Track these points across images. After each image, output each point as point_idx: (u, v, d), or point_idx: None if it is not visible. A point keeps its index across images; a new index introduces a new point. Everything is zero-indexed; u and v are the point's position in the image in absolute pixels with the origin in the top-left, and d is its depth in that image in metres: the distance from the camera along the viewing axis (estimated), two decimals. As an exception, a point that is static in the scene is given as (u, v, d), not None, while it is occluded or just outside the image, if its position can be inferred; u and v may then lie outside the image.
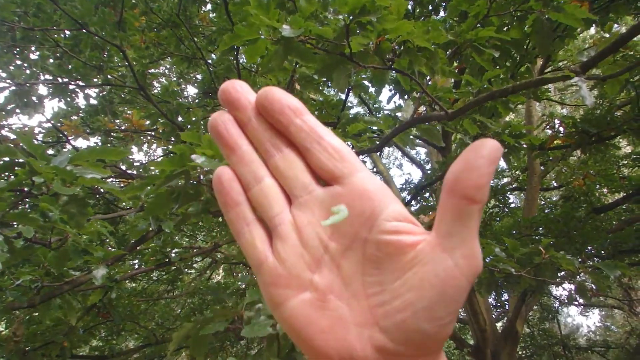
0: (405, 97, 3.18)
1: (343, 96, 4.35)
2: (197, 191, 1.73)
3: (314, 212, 0.39)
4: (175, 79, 7.27)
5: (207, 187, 1.70)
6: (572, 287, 2.89)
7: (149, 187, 1.76)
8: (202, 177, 1.68)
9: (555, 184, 8.59)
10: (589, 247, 5.00)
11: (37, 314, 3.32)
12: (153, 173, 1.68)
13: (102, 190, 4.98)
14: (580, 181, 5.33)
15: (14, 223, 1.84)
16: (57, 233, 2.18)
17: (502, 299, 8.59)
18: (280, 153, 0.40)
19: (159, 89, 6.58)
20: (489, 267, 2.72)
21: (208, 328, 1.57)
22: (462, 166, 0.32)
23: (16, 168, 1.72)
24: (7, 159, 1.72)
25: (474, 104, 2.35)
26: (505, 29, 2.82)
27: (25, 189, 1.72)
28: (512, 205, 8.44)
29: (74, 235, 2.19)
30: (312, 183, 0.39)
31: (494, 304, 8.71)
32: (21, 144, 1.83)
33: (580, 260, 2.76)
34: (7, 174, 1.88)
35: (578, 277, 2.76)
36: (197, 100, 5.98)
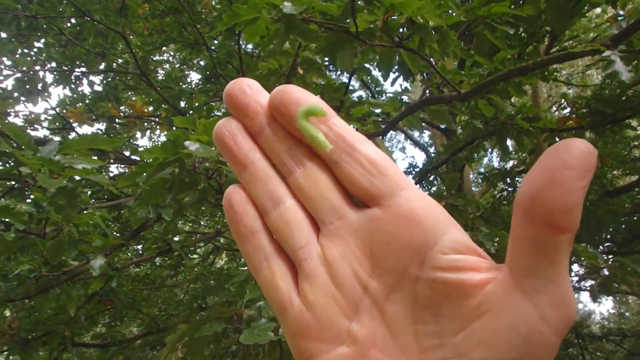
0: (410, 79, 3.07)
1: (346, 80, 4.27)
2: (194, 180, 1.64)
3: (347, 242, 0.30)
4: (178, 65, 7.28)
5: (203, 176, 1.60)
6: (593, 282, 2.75)
7: (143, 175, 1.66)
8: (197, 165, 1.59)
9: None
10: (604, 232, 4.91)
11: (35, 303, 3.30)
12: (146, 161, 1.59)
13: (107, 176, 4.99)
14: (597, 164, 5.20)
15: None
16: (52, 223, 2.11)
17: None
18: (302, 168, 0.32)
19: (162, 75, 6.61)
20: (505, 258, 2.61)
21: (204, 329, 1.48)
22: (542, 180, 0.23)
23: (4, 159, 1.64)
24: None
25: (489, 83, 2.22)
26: (512, 6, 2.71)
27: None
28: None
29: (68, 226, 2.11)
30: (343, 205, 0.31)
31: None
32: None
33: (603, 253, 2.65)
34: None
35: (601, 271, 2.63)
36: (200, 86, 5.97)
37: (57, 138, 5.96)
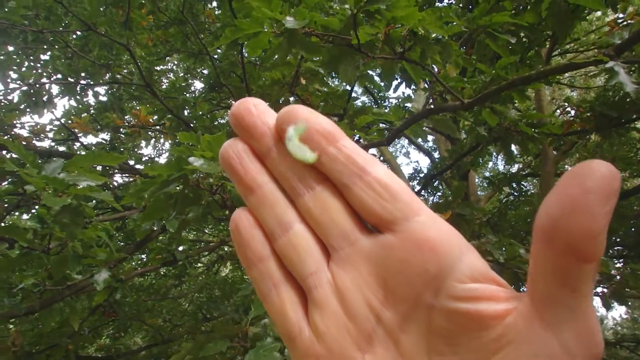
0: (412, 85, 3.07)
1: (348, 87, 4.27)
2: (197, 195, 1.64)
3: (359, 269, 0.29)
4: (182, 74, 7.33)
5: (207, 191, 1.60)
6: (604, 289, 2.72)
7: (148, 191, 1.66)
8: (201, 181, 1.59)
9: (569, 169, 8.42)
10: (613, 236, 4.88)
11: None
12: (150, 177, 1.58)
13: (111, 185, 5.02)
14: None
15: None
16: (56, 238, 2.12)
17: (520, 290, 8.42)
18: (311, 191, 0.31)
19: (166, 84, 6.65)
20: (513, 268, 2.60)
21: (209, 348, 1.47)
22: (563, 205, 0.21)
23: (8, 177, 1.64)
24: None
25: (493, 93, 2.21)
26: (513, 11, 2.70)
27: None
28: (527, 191, 8.30)
29: (73, 242, 2.11)
30: (354, 231, 0.30)
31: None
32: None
33: (613, 257, 2.63)
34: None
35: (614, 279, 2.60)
36: (203, 94, 5.99)
37: (62, 148, 6.00)
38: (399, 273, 0.28)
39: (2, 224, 1.62)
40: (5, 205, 1.72)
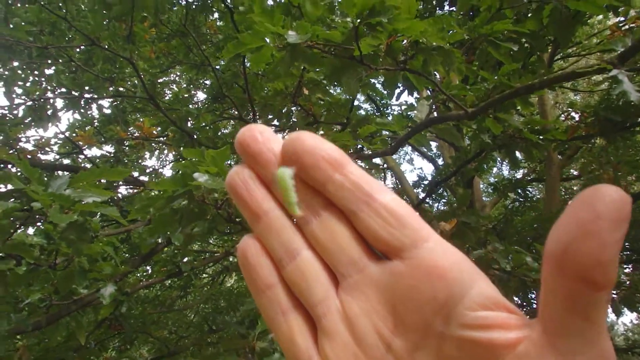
0: (415, 93, 3.07)
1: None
2: (202, 210, 1.64)
3: (368, 296, 0.29)
4: (185, 85, 7.36)
5: (212, 206, 1.60)
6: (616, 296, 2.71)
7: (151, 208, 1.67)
8: (206, 196, 1.59)
9: (575, 173, 8.39)
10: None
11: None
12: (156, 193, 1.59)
13: (115, 197, 5.04)
14: (610, 173, 5.13)
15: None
16: (62, 254, 2.12)
17: (529, 297, 8.30)
18: (318, 218, 0.30)
19: (170, 95, 6.68)
20: (520, 276, 2.59)
21: (217, 364, 1.47)
22: (573, 231, 0.21)
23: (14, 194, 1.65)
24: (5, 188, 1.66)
25: (497, 102, 2.21)
26: (515, 18, 2.70)
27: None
28: (533, 196, 8.25)
29: (79, 257, 2.11)
30: (362, 257, 0.29)
31: (519, 302, 8.43)
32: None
33: (621, 262, 2.61)
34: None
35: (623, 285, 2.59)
36: (206, 105, 6.01)
37: (66, 161, 6.03)
38: (408, 301, 0.27)
39: (9, 241, 1.62)
40: (12, 221, 1.72)
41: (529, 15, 2.52)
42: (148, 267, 5.61)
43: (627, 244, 4.97)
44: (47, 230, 1.84)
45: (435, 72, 2.40)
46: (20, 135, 5.22)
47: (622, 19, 3.34)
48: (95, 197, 1.60)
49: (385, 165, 8.25)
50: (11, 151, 4.92)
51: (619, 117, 3.18)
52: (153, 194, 4.82)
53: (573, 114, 4.19)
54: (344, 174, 0.29)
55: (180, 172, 1.51)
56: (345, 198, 0.29)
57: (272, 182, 0.31)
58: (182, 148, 5.37)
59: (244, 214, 0.32)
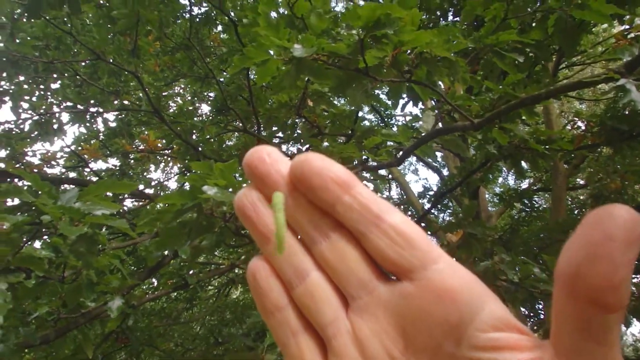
0: (420, 104, 3.08)
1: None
2: (210, 223, 1.64)
3: (378, 318, 0.29)
4: (189, 98, 7.39)
5: (220, 219, 1.61)
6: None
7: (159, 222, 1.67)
8: (214, 209, 1.59)
9: (581, 182, 8.36)
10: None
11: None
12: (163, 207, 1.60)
13: (121, 210, 5.05)
14: (618, 183, 5.11)
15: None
16: (70, 267, 2.13)
17: (536, 308, 8.21)
18: (326, 240, 0.30)
19: (174, 108, 6.71)
20: (528, 287, 2.57)
21: (227, 377, 1.47)
22: (583, 253, 0.21)
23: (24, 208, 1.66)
24: (16, 201, 1.67)
25: (504, 112, 2.21)
26: (519, 28, 2.71)
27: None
28: (539, 206, 8.22)
29: (87, 270, 2.12)
30: (372, 279, 0.29)
31: (527, 312, 8.34)
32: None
33: (634, 275, 2.59)
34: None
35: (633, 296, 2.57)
36: (210, 118, 6.04)
37: (72, 174, 6.06)
38: (418, 322, 0.27)
39: (19, 254, 1.63)
40: (21, 235, 1.73)
41: (534, 24, 2.53)
42: (154, 280, 5.62)
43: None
44: (55, 243, 1.84)
45: (440, 83, 2.40)
46: (26, 149, 5.25)
47: (628, 27, 3.35)
48: (104, 210, 1.61)
49: (390, 176, 8.23)
50: (17, 165, 4.96)
51: (626, 126, 3.17)
52: (159, 207, 4.85)
53: (579, 123, 4.19)
54: (353, 195, 0.29)
55: (187, 185, 1.51)
56: (354, 219, 0.29)
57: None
58: (187, 161, 5.40)
59: (253, 235, 0.33)
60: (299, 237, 0.32)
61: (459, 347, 0.26)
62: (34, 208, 1.67)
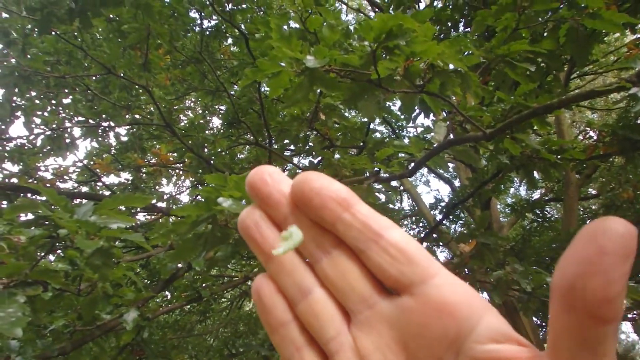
0: (431, 115, 3.08)
1: (366, 118, 4.29)
2: (225, 234, 1.65)
3: (380, 332, 0.29)
4: (200, 111, 7.42)
5: (235, 230, 1.62)
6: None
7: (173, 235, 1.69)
8: (229, 220, 1.61)
9: (593, 192, 8.32)
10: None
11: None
12: (179, 218, 1.61)
13: (134, 224, 5.05)
14: (630, 192, 5.09)
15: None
16: (86, 279, 2.15)
17: (548, 318, 8.08)
18: (327, 256, 0.31)
19: (185, 121, 6.74)
20: (541, 297, 2.57)
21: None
22: (578, 267, 0.21)
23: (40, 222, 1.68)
24: (32, 215, 1.69)
25: (515, 123, 2.21)
26: (530, 38, 2.71)
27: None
28: (551, 217, 8.17)
29: (103, 283, 2.14)
30: (373, 294, 0.30)
31: (539, 322, 8.27)
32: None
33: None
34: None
35: None
36: (221, 131, 6.06)
37: (85, 189, 6.10)
38: (418, 337, 0.28)
39: (36, 268, 1.65)
40: (37, 248, 1.75)
41: (545, 34, 2.53)
42: (167, 293, 5.63)
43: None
44: (71, 256, 1.86)
45: (451, 95, 2.41)
46: (38, 164, 5.30)
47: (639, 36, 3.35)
48: (120, 224, 1.63)
49: (402, 187, 8.23)
50: (30, 180, 5.00)
51: (638, 135, 3.16)
52: (171, 219, 4.86)
53: (591, 133, 4.17)
54: (352, 213, 0.30)
55: (201, 197, 1.53)
56: (354, 237, 0.30)
57: (283, 222, 0.32)
58: (199, 174, 5.43)
59: (256, 254, 0.33)
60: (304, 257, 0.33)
61: (458, 359, 0.26)
62: (46, 223, 1.69)
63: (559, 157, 2.62)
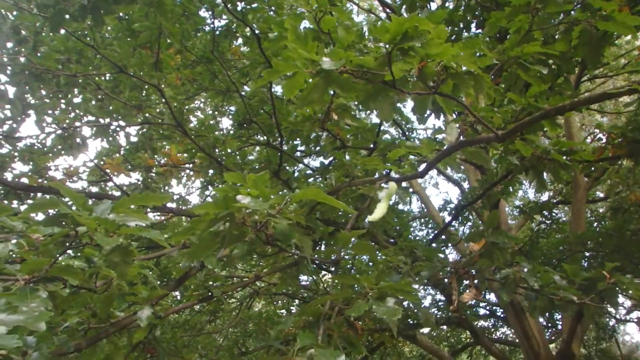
0: (442, 116, 3.10)
1: (377, 119, 4.31)
2: (242, 232, 1.68)
3: None
4: (210, 111, 7.42)
5: (251, 228, 1.64)
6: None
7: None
8: (246, 218, 1.63)
9: (600, 195, 8.31)
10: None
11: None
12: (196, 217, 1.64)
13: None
14: (638, 195, 5.10)
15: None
16: (102, 277, 2.17)
17: (555, 318, 8.15)
18: None
19: (195, 122, 6.76)
20: (548, 295, 2.60)
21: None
22: None
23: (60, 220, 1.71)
24: (52, 211, 1.71)
25: (527, 124, 2.23)
26: (542, 40, 2.74)
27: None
28: (559, 219, 8.18)
29: (118, 280, 2.16)
30: None
31: (545, 323, 8.28)
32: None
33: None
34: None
35: None
36: (232, 131, 6.07)
37: (95, 189, 6.12)
38: None
39: (56, 264, 1.68)
40: (56, 245, 1.78)
41: (557, 36, 2.55)
42: (177, 293, 5.64)
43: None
44: (88, 254, 1.89)
45: (462, 96, 2.43)
46: (48, 164, 5.31)
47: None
48: (138, 222, 1.66)
49: (411, 190, 8.25)
50: (40, 180, 5.02)
51: (646, 137, 3.18)
52: (184, 219, 4.87)
53: (600, 135, 4.18)
54: None
55: (218, 196, 1.55)
56: None
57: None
58: (209, 174, 5.45)
59: None
60: None
61: None
62: (64, 222, 1.72)
63: (568, 158, 2.64)
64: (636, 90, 1.93)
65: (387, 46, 1.74)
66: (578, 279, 2.63)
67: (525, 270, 2.79)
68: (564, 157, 2.66)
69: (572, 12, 2.36)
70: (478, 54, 2.11)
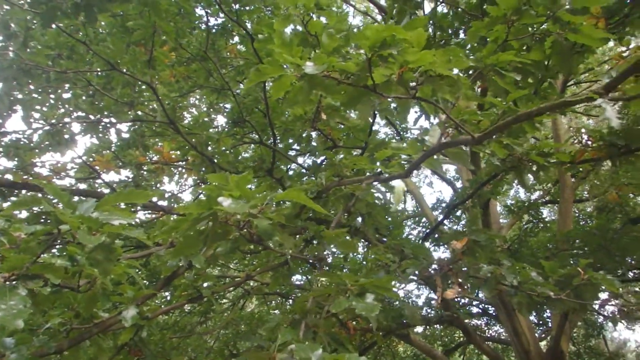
0: (432, 117, 3.16)
1: (370, 119, 4.34)
2: (226, 231, 1.71)
3: None
4: (205, 109, 7.38)
5: (235, 227, 1.68)
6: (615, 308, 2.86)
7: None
8: (229, 218, 1.66)
9: (587, 195, 8.43)
10: (628, 259, 4.90)
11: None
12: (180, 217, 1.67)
13: (134, 222, 5.05)
14: (614, 195, 5.22)
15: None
16: (85, 276, 2.17)
17: (544, 316, 8.22)
18: None
19: (189, 119, 6.71)
20: (527, 291, 2.70)
21: (239, 376, 1.54)
22: None
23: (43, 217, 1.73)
24: (35, 209, 1.73)
25: (502, 128, 2.33)
26: (524, 48, 2.86)
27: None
28: (546, 219, 8.27)
29: (102, 278, 2.16)
30: None
31: (536, 321, 8.36)
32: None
33: (620, 276, 2.72)
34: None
35: (621, 298, 2.71)
36: (226, 129, 6.05)
37: (83, 186, 6.06)
38: None
39: (37, 262, 1.69)
40: (39, 243, 1.79)
41: (532, 46, 2.69)
42: (166, 294, 5.62)
43: (633, 261, 5.02)
44: (71, 252, 1.89)
45: (448, 101, 2.51)
46: (35, 160, 5.25)
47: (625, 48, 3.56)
48: (121, 220, 1.67)
49: (406, 189, 8.32)
50: (25, 177, 4.94)
51: (622, 141, 3.30)
52: (172, 218, 4.87)
53: (585, 137, 4.29)
54: None
55: (204, 195, 1.59)
56: None
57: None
58: (202, 172, 5.45)
59: None
60: None
61: None
62: (48, 220, 1.73)
63: (548, 159, 2.74)
64: (593, 99, 2.06)
65: (367, 53, 1.80)
66: (555, 275, 2.73)
67: (505, 267, 2.89)
68: (544, 159, 2.76)
69: (545, 25, 2.51)
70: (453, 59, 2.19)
